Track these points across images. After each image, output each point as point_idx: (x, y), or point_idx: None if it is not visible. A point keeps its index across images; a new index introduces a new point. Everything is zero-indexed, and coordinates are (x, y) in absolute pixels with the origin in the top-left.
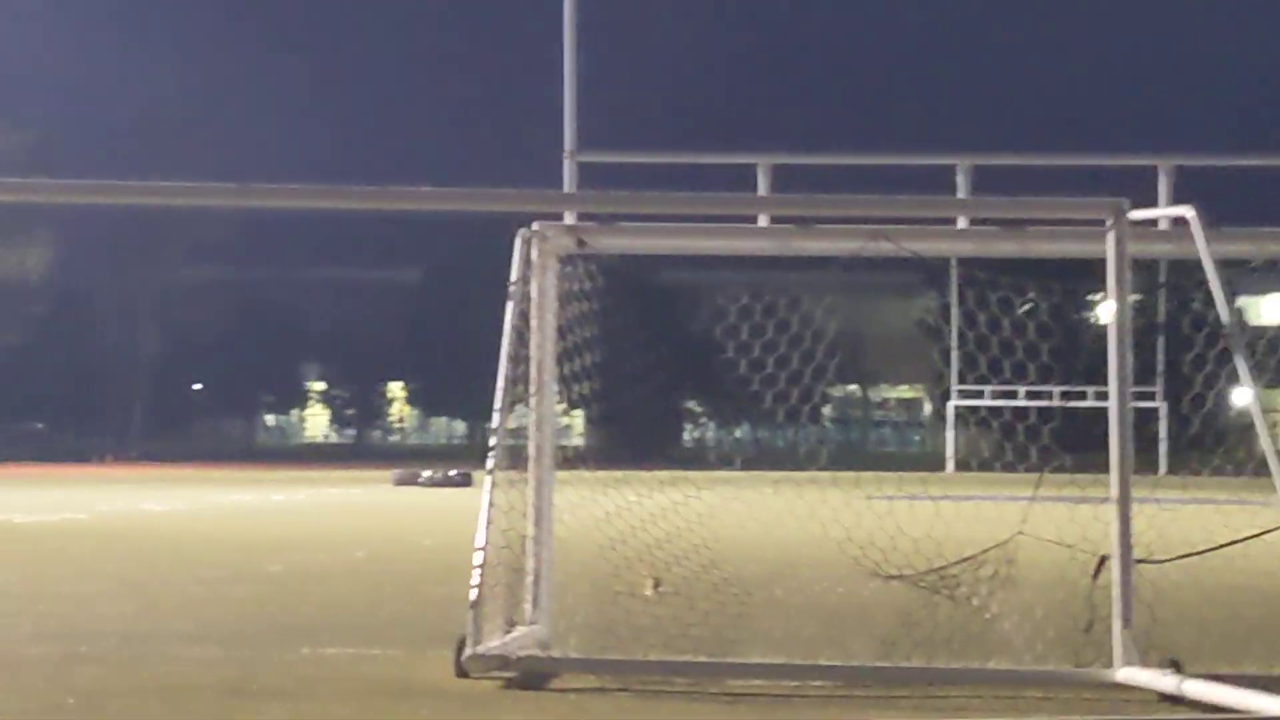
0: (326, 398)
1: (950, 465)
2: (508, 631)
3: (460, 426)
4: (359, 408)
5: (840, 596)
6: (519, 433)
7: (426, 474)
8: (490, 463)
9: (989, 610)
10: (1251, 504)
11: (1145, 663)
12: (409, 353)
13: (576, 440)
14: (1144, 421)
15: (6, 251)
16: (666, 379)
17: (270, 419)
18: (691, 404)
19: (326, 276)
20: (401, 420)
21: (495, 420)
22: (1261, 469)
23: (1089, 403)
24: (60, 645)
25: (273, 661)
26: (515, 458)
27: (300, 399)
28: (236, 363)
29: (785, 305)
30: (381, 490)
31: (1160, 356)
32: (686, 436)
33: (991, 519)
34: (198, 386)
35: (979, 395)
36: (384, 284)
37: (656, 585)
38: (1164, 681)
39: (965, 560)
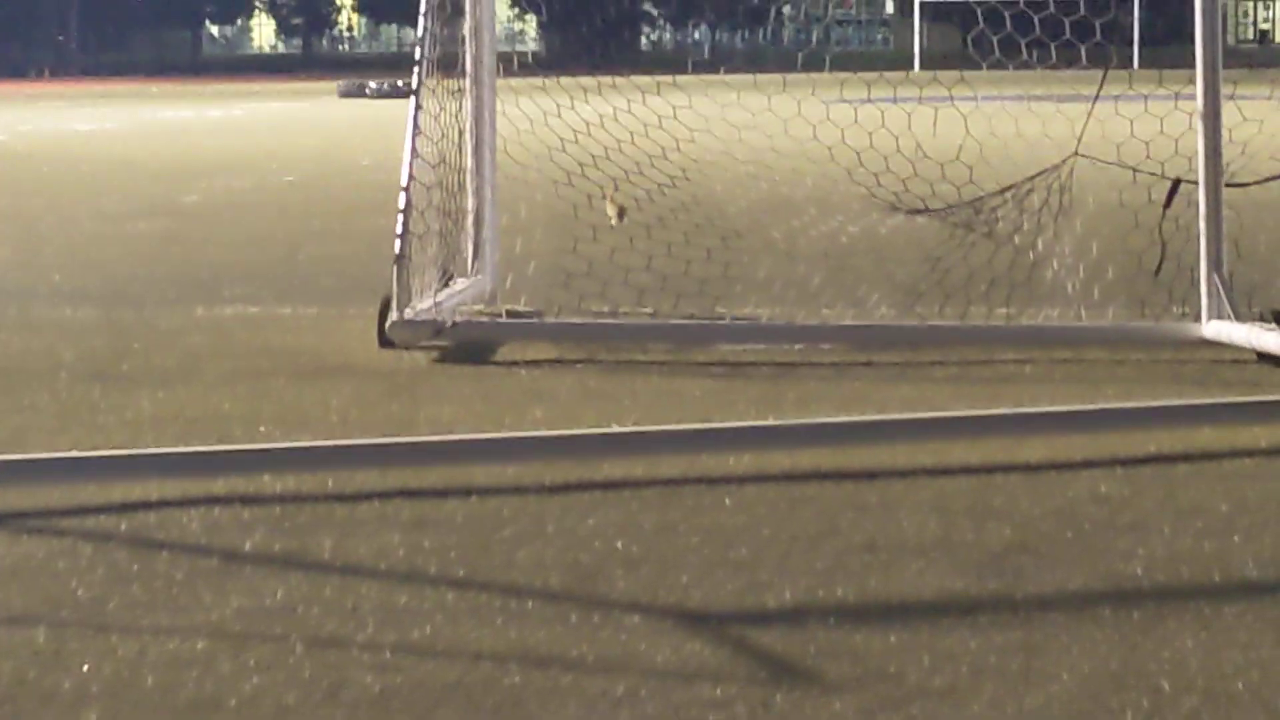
0: (272, 6)
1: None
2: (443, 288)
3: (411, 34)
4: (306, 15)
5: (852, 238)
6: (455, 40)
7: (373, 85)
8: (415, 79)
9: (1034, 250)
10: None
11: (1238, 315)
12: None
13: (531, 46)
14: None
15: None
16: None
17: (215, 30)
18: (647, 6)
19: None
20: (350, 28)
21: (420, 26)
22: None
23: None
24: None
25: (155, 329)
26: (450, 71)
27: (246, 7)
28: None
29: None
30: (326, 103)
31: None
32: (644, 41)
33: (1031, 131)
34: None
35: None
36: None
37: (621, 214)
38: (1265, 338)
39: (1007, 190)
